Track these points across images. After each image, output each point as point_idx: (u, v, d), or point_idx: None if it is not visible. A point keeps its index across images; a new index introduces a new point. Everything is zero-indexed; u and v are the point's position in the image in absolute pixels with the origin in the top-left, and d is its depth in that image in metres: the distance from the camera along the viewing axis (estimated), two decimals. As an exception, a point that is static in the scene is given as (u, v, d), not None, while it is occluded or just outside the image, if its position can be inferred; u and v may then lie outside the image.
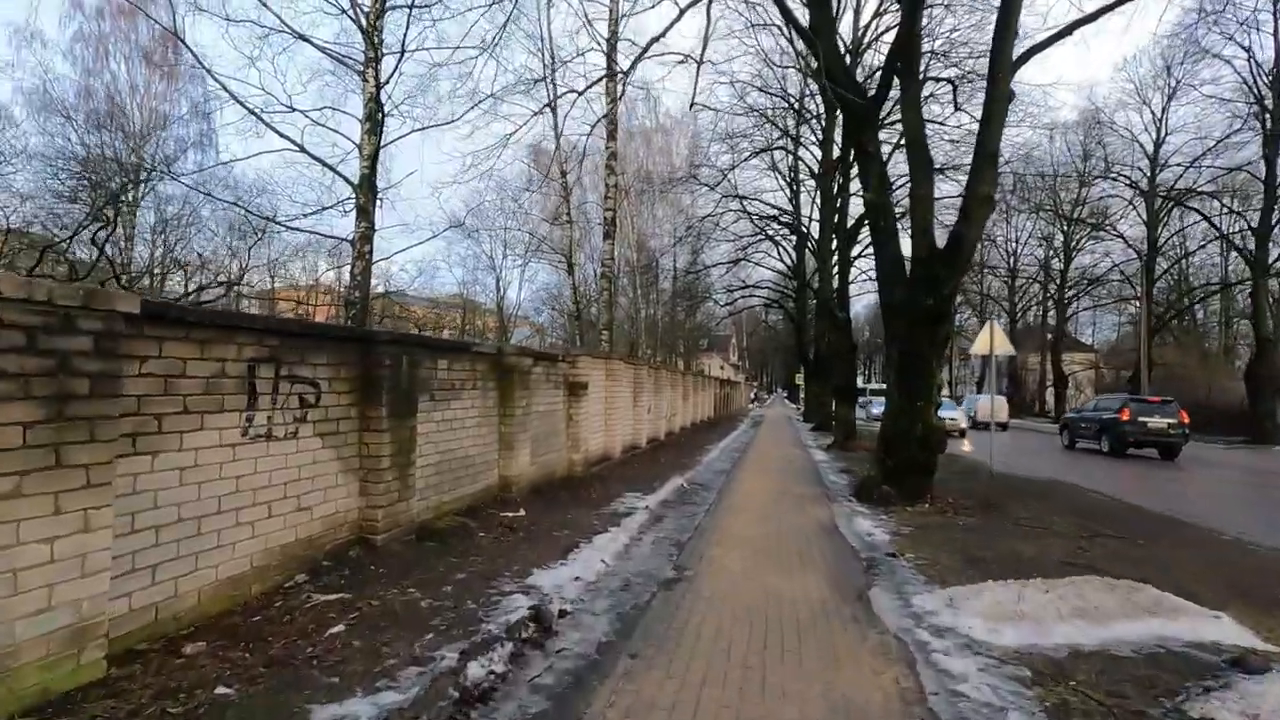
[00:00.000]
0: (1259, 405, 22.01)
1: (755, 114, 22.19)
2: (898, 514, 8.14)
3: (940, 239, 10.12)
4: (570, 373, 9.93)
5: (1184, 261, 35.39)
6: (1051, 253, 42.55)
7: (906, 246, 9.89)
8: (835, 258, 19.19)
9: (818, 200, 24.66)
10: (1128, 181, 29.51)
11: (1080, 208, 36.24)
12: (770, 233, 31.71)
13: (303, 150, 13.62)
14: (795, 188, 29.76)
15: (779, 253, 32.57)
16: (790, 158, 28.07)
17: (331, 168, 13.57)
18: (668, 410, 18.84)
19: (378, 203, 13.95)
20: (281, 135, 13.63)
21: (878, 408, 27.76)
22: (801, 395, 49.74)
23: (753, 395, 73.80)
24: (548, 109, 15.91)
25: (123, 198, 20.42)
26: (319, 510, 4.55)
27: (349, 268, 14.56)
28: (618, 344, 33.44)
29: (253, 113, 14.17)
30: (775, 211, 30.01)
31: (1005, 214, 40.72)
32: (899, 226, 10.06)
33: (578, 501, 8.05)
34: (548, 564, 5.23)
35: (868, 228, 11.35)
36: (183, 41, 12.22)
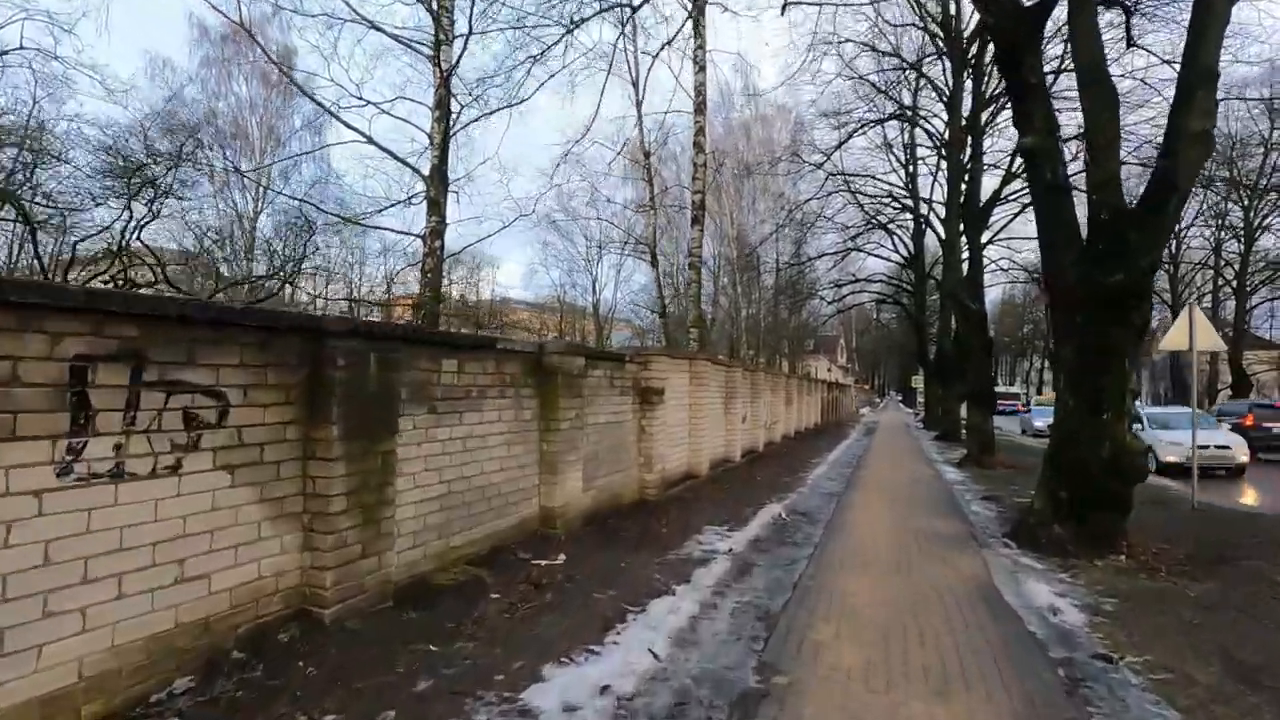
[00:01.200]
0: None
1: (865, 84, 19.64)
2: (1084, 571, 5.83)
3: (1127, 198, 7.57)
4: (642, 375, 8.27)
5: None
6: (1226, 232, 36.14)
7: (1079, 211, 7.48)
8: (963, 242, 16.36)
9: (940, 179, 21.74)
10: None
11: (1269, 177, 30.26)
12: (883, 220, 28.72)
13: (370, 141, 12.87)
14: (912, 167, 26.63)
15: (893, 242, 29.45)
16: (906, 134, 25.08)
17: (397, 156, 12.71)
18: (767, 417, 16.77)
19: (449, 194, 13.02)
20: (349, 126, 12.97)
21: (1042, 419, 23.84)
22: (920, 400, 45.53)
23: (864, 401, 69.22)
24: (629, 84, 14.39)
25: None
26: (225, 578, 3.12)
27: (420, 265, 13.74)
28: (717, 346, 31.63)
29: (319, 104, 13.63)
30: (889, 195, 27.06)
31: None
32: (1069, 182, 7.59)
33: (643, 539, 6.35)
34: (571, 654, 3.57)
35: (1025, 181, 8.88)
36: (249, 33, 11.72)
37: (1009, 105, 19.48)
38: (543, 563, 5.16)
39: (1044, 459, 7.20)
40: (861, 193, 24.95)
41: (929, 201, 24.88)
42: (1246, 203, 32.98)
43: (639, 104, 14.23)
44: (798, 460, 14.19)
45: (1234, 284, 34.91)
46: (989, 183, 20.41)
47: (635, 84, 14.16)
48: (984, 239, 19.37)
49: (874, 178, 23.79)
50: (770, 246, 33.87)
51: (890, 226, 29.20)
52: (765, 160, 29.87)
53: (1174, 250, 38.98)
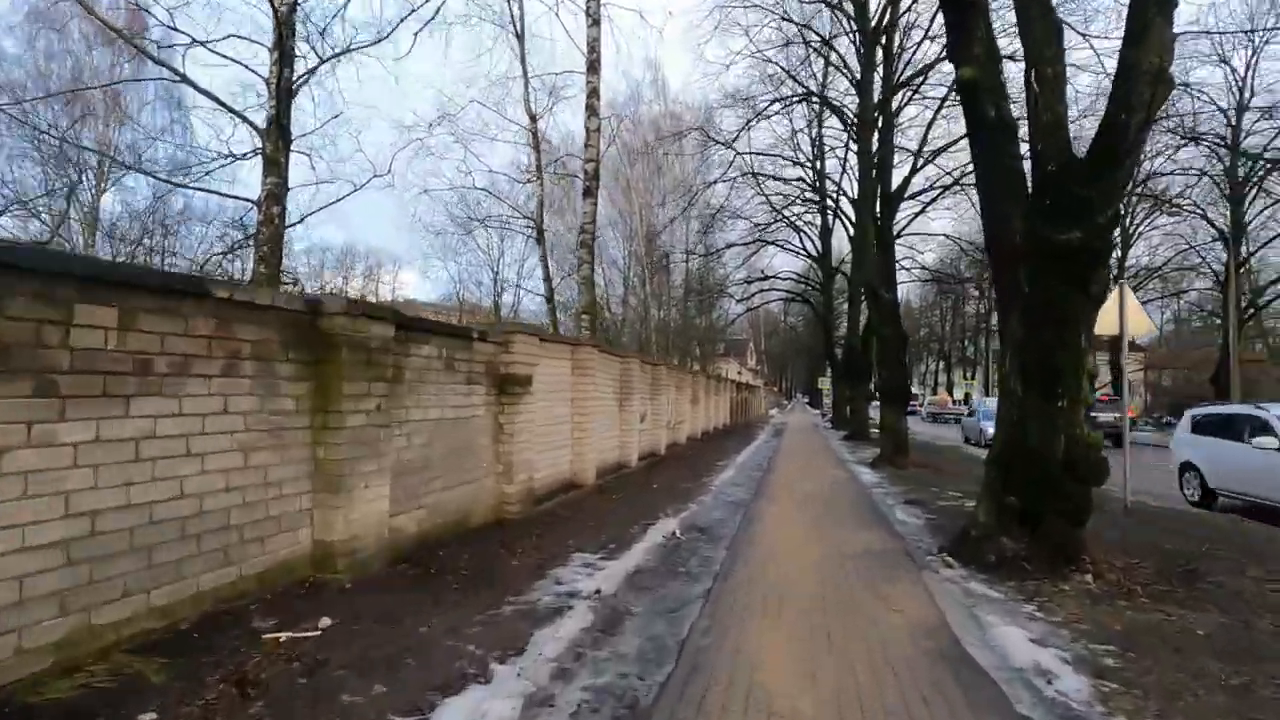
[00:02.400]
0: None
1: (774, 66, 18.66)
2: (1054, 600, 4.52)
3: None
4: (501, 360, 6.44)
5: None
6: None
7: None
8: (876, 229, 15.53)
9: (851, 165, 21.16)
10: (1213, 142, 25.22)
11: (1142, 185, 32.04)
12: (791, 217, 28.18)
13: (184, 80, 10.38)
14: (820, 164, 26.14)
15: (801, 239, 28.98)
16: (815, 127, 24.51)
17: (217, 99, 10.27)
18: (671, 417, 15.28)
19: (298, 155, 10.69)
20: (161, 63, 10.46)
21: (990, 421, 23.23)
22: (826, 400, 45.88)
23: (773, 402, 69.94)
24: (513, 36, 12.52)
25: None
26: None
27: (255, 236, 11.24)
28: (626, 347, 30.08)
29: (123, 36, 11.00)
30: (798, 193, 26.49)
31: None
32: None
33: (479, 579, 4.52)
34: None
35: (965, 131, 7.73)
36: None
37: (920, 85, 19.09)
38: (285, 636, 3.24)
39: (987, 460, 5.93)
40: (771, 188, 24.15)
41: (837, 194, 24.38)
42: (1122, 209, 34.88)
43: (523, 59, 12.39)
44: (703, 464, 12.73)
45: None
46: (899, 176, 19.99)
47: (519, 36, 12.31)
48: (899, 224, 18.86)
49: (784, 165, 22.92)
50: (680, 244, 32.69)
51: (799, 224, 28.73)
52: (670, 136, 28.54)
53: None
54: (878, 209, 15.04)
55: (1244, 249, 29.69)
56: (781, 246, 27.67)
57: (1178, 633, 3.84)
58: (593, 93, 12.22)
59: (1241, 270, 29.44)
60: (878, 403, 33.16)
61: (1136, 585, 4.87)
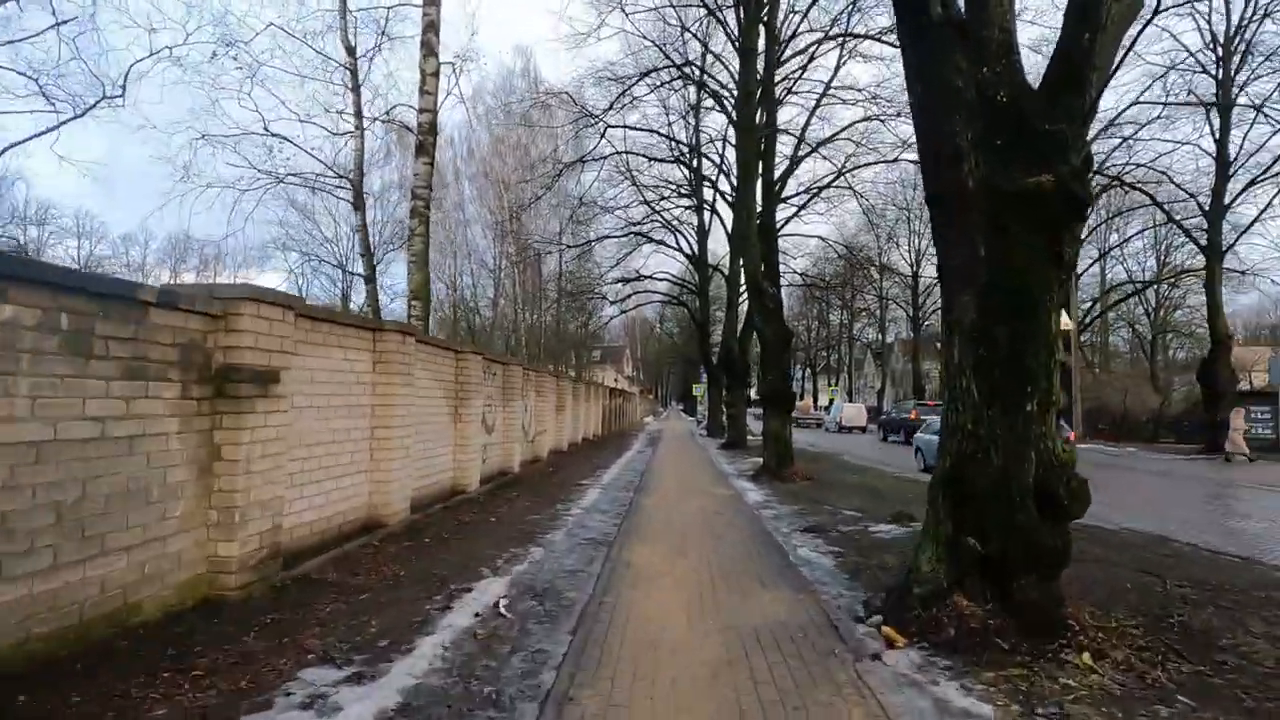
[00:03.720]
0: (1217, 412, 19.31)
1: (647, 41, 17.09)
2: (1064, 705, 2.90)
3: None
4: (219, 343, 4.02)
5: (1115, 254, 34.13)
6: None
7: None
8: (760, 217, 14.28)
9: (730, 163, 20.10)
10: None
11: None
12: (666, 216, 26.94)
13: None
14: (697, 159, 25.02)
15: (677, 239, 27.81)
16: (693, 117, 23.34)
17: None
18: (530, 427, 13.08)
19: None
20: None
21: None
22: (701, 408, 45.39)
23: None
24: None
25: None
26: None
27: None
28: (494, 350, 27.42)
29: None
30: (673, 188, 25.29)
31: (909, 214, 38.38)
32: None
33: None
34: None
35: (898, 40, 6.22)
36: None
37: (800, 72, 18.23)
38: None
39: (932, 484, 4.34)
40: (646, 178, 22.69)
41: (714, 195, 23.33)
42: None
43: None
44: (564, 484, 10.65)
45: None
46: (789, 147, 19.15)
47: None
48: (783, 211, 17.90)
49: (662, 162, 21.48)
50: (554, 241, 30.45)
51: (675, 225, 27.57)
52: (548, 150, 26.25)
53: (914, 266, 43.15)
54: (759, 195, 13.79)
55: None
56: (657, 242, 26.32)
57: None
58: (429, 27, 9.84)
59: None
60: (753, 409, 32.74)
61: (1151, 666, 3.41)
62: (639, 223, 25.19)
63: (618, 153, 19.40)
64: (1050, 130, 3.89)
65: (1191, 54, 20.58)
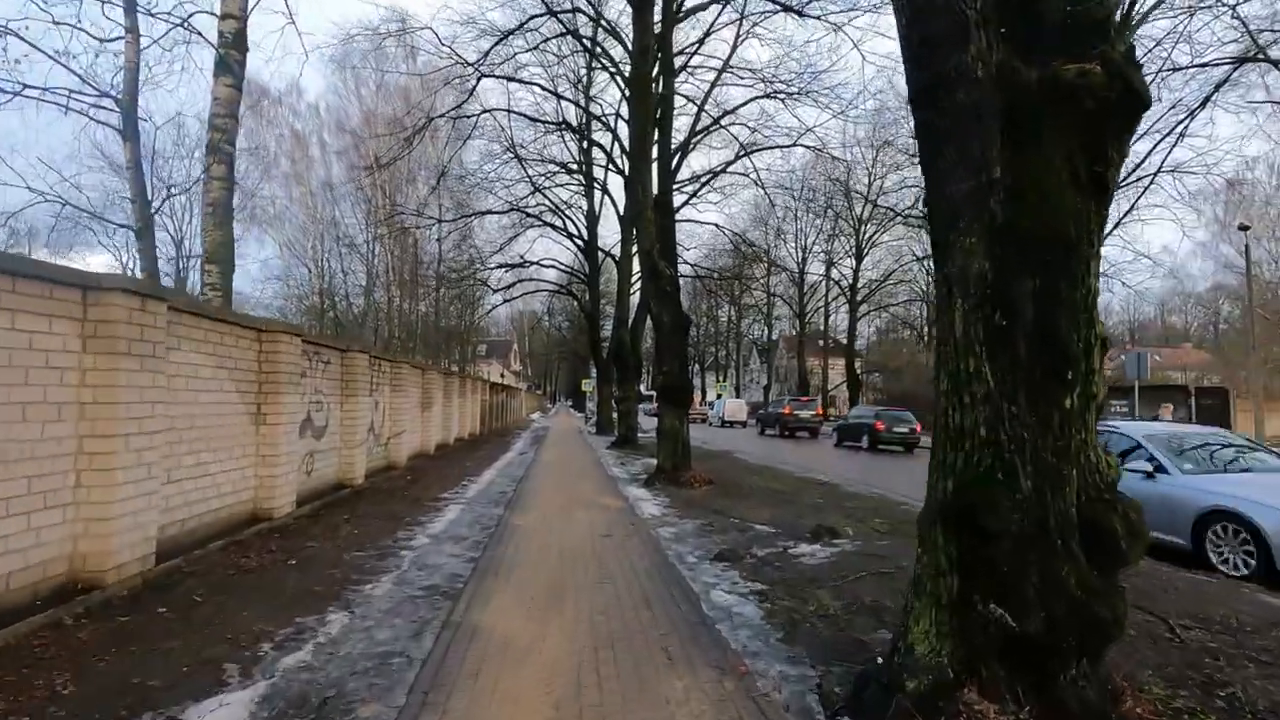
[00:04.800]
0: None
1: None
2: None
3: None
4: None
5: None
6: (837, 254, 41.70)
7: None
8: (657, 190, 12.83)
9: (621, 135, 18.63)
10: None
11: (875, 200, 34.92)
12: (555, 199, 25.10)
13: None
14: (587, 144, 23.31)
15: (565, 224, 26.01)
16: (583, 91, 21.61)
17: None
18: (381, 429, 10.89)
19: None
20: None
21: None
22: (589, 403, 43.79)
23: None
24: None
25: None
26: None
27: None
28: (366, 343, 24.34)
29: None
30: (559, 166, 23.49)
31: (797, 207, 38.75)
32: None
33: None
34: None
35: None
36: None
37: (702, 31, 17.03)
38: None
39: (924, 519, 2.93)
40: (530, 153, 20.74)
41: (607, 155, 21.73)
42: (859, 226, 38.01)
43: None
44: (419, 498, 8.64)
45: (848, 298, 40.16)
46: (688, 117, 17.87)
47: None
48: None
49: (547, 140, 19.58)
50: (431, 227, 27.66)
51: (564, 210, 25.78)
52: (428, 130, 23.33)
53: (801, 265, 43.74)
54: (655, 171, 12.34)
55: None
56: (544, 224, 24.37)
57: None
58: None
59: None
60: (644, 404, 31.42)
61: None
62: (524, 198, 23.18)
63: (497, 110, 17.35)
64: (1072, 12, 2.61)
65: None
